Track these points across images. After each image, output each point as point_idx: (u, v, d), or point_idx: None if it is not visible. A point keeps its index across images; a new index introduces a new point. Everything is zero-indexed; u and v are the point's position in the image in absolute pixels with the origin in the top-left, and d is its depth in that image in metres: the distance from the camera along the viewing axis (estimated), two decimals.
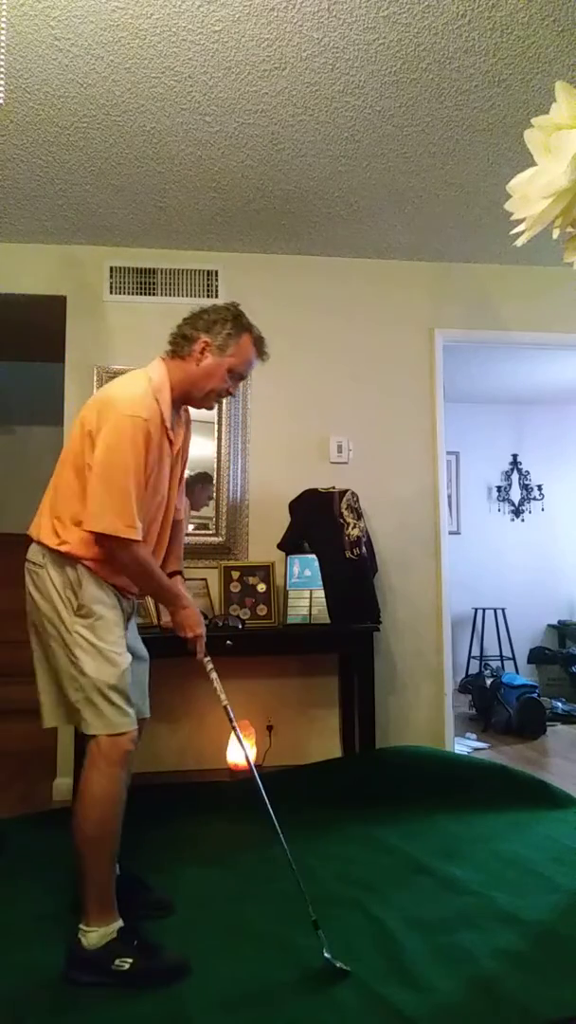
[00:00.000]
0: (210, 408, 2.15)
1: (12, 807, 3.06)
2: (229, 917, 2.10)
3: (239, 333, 2.03)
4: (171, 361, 2.04)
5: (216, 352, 2.01)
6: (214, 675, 2.14)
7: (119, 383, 1.98)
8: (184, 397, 2.04)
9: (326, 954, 1.82)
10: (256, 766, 3.30)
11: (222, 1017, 1.64)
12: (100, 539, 1.85)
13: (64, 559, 1.89)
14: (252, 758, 3.31)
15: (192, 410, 2.18)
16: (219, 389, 2.05)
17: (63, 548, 1.89)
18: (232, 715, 2.15)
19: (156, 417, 1.89)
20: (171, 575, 2.19)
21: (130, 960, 1.76)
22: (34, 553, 1.95)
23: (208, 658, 2.14)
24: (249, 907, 2.16)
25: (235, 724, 2.18)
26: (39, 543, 1.94)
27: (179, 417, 2.08)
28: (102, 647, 1.86)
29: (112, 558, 1.88)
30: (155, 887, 2.19)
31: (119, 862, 1.99)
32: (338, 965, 1.80)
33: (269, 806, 2.01)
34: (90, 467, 1.86)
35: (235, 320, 2.03)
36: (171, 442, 2.00)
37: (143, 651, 2.19)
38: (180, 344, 2.03)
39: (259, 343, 2.08)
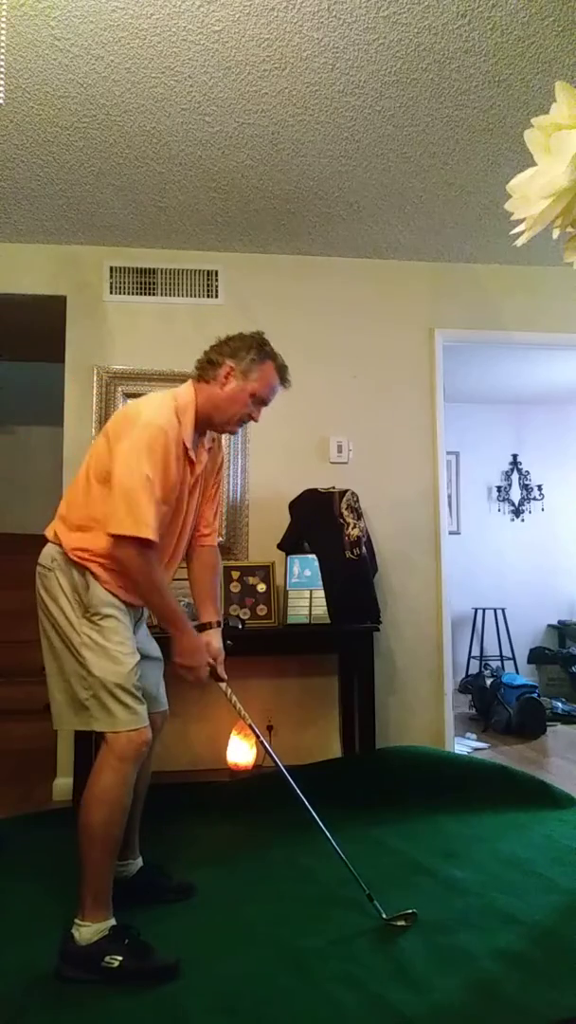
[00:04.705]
0: (233, 433, 2.24)
1: (12, 807, 3.06)
2: (229, 917, 2.10)
3: (263, 360, 2.08)
4: (198, 384, 2.10)
5: (240, 377, 2.06)
6: (233, 697, 2.20)
7: (145, 399, 2.04)
8: (207, 421, 2.09)
9: (384, 916, 2.01)
10: (257, 766, 3.33)
11: (221, 1017, 1.64)
12: (113, 542, 1.89)
13: (72, 562, 1.94)
14: (253, 759, 3.34)
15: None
16: (241, 414, 2.10)
17: (71, 550, 1.94)
18: (257, 729, 2.26)
19: (174, 431, 1.94)
20: (203, 626, 2.20)
21: (119, 958, 1.77)
22: (45, 556, 2.00)
23: (224, 683, 2.18)
24: (249, 907, 2.16)
25: (260, 736, 2.28)
26: (53, 543, 1.99)
27: (202, 442, 2.12)
28: (108, 647, 1.90)
29: (119, 562, 1.91)
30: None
31: (141, 855, 2.19)
32: (400, 923, 2.00)
33: (304, 799, 2.15)
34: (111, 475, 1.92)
35: (259, 347, 2.09)
36: (191, 463, 2.05)
37: (156, 651, 2.21)
38: (206, 369, 2.09)
39: (282, 371, 2.14)
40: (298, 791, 2.16)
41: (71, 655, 1.91)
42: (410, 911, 2.04)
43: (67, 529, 1.98)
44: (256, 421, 2.16)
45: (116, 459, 1.90)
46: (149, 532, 1.85)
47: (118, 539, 1.87)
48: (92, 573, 1.93)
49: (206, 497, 2.24)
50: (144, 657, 2.07)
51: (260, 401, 2.11)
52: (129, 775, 1.88)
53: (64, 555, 1.95)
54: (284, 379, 2.14)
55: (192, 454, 2.04)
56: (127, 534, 1.85)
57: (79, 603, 1.92)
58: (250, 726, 2.23)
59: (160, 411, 1.95)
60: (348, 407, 3.69)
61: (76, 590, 1.93)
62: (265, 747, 2.27)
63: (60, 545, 1.97)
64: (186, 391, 2.07)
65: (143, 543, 1.86)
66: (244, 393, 2.07)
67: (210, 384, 2.07)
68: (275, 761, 2.23)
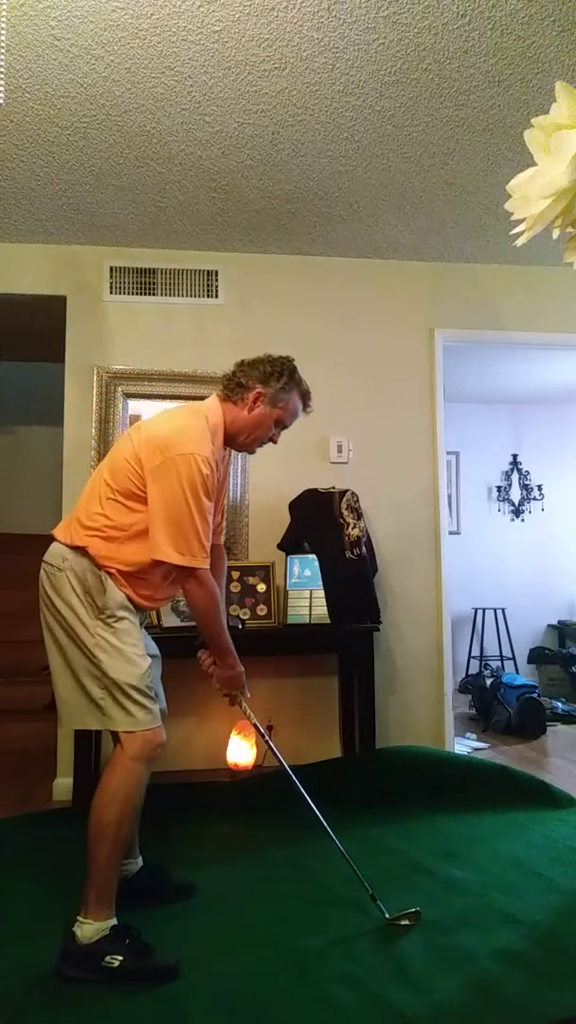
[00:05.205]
0: (251, 453, 2.27)
1: (12, 807, 3.06)
2: (229, 917, 2.10)
3: (291, 388, 2.12)
4: (224, 404, 2.12)
5: (267, 403, 2.10)
6: (249, 712, 2.23)
7: (178, 420, 2.04)
8: (231, 440, 2.14)
9: (387, 916, 2.01)
10: (257, 766, 3.33)
11: (221, 1017, 1.64)
12: (154, 565, 1.95)
13: (90, 564, 1.94)
14: (253, 759, 3.34)
15: None
16: (263, 437, 2.15)
17: (97, 556, 1.94)
18: (267, 736, 2.28)
19: (213, 458, 1.97)
20: None
21: (120, 958, 1.78)
22: (54, 556, 1.99)
23: (244, 702, 2.22)
24: (249, 907, 2.16)
25: (269, 740, 2.29)
26: (66, 545, 1.98)
27: (222, 455, 2.15)
28: (124, 649, 1.91)
29: (141, 572, 1.96)
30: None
31: (142, 855, 2.19)
32: (404, 922, 2.00)
33: (308, 799, 2.15)
34: (138, 495, 1.94)
35: (290, 376, 2.12)
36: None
37: (155, 650, 2.22)
38: (235, 390, 2.11)
39: (306, 397, 2.18)
40: (303, 791, 2.16)
41: (81, 654, 1.91)
42: (413, 910, 2.03)
43: (87, 535, 1.96)
44: (275, 443, 2.20)
45: (159, 490, 1.90)
46: (202, 562, 1.93)
47: (182, 576, 1.95)
48: (112, 576, 1.94)
49: (219, 505, 2.25)
50: (149, 656, 2.09)
51: (282, 426, 2.16)
52: (142, 775, 1.89)
53: (77, 556, 1.95)
54: (307, 405, 2.19)
55: (219, 473, 2.07)
56: (184, 565, 1.91)
57: (91, 604, 1.92)
58: (255, 726, 2.24)
59: (198, 438, 1.95)
60: (348, 407, 3.69)
61: (88, 591, 1.93)
62: (272, 749, 2.27)
63: (77, 548, 1.96)
64: (215, 410, 2.08)
65: (199, 570, 1.93)
66: (270, 419, 2.11)
67: (237, 405, 2.10)
68: (281, 763, 2.23)
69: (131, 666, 1.90)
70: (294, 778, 2.17)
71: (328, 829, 2.14)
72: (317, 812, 2.15)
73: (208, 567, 1.96)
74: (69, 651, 1.93)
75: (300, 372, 2.17)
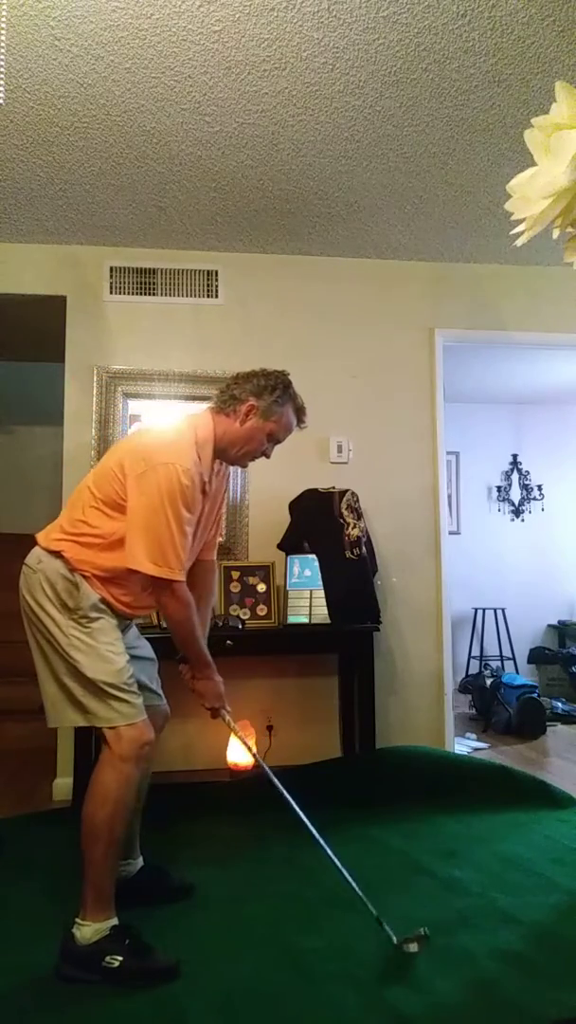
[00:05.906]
0: (244, 467, 2.25)
1: (12, 807, 3.06)
2: (229, 917, 2.10)
3: (284, 402, 2.10)
4: (217, 415, 2.10)
5: (260, 416, 2.08)
6: (234, 724, 2.22)
7: (165, 432, 2.03)
8: (222, 453, 2.11)
9: (394, 941, 1.87)
10: (256, 766, 3.32)
11: (221, 1017, 1.64)
12: (152, 590, 1.94)
13: (63, 566, 1.94)
14: (253, 759, 3.33)
15: None
16: (255, 451, 2.13)
17: (75, 560, 1.94)
18: (254, 750, 2.30)
19: (196, 470, 1.95)
20: None
21: (120, 959, 1.77)
22: (32, 558, 1.99)
23: (227, 714, 2.20)
24: (249, 907, 2.16)
25: (258, 757, 2.28)
26: (43, 548, 1.98)
27: (213, 469, 2.13)
28: (98, 647, 1.91)
29: (118, 579, 1.95)
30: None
31: (141, 854, 2.19)
32: (411, 947, 1.84)
33: (294, 803, 2.11)
34: (119, 504, 1.93)
35: (283, 390, 2.10)
36: (204, 493, 2.06)
37: (149, 652, 2.22)
38: (228, 402, 2.10)
39: (300, 413, 2.16)
40: (295, 805, 2.10)
41: (57, 654, 1.91)
42: (422, 932, 1.91)
43: (64, 539, 1.96)
44: (268, 458, 2.18)
45: (138, 499, 1.89)
46: (178, 575, 1.91)
47: (157, 587, 1.92)
48: (87, 579, 1.94)
49: (212, 519, 2.25)
50: (140, 658, 2.10)
51: (275, 441, 2.14)
52: (131, 775, 1.88)
53: (51, 559, 1.95)
54: (301, 421, 2.17)
55: (208, 486, 2.06)
56: (159, 576, 1.89)
57: (64, 606, 1.92)
58: (240, 739, 2.25)
59: (182, 451, 1.93)
60: (348, 407, 3.69)
61: (59, 594, 1.92)
62: (260, 763, 2.25)
63: (56, 553, 1.95)
64: (205, 424, 2.07)
65: (174, 583, 1.92)
66: (262, 432, 2.09)
67: (229, 417, 2.08)
68: (268, 775, 2.18)
69: (107, 664, 1.89)
70: (283, 790, 2.12)
71: (321, 840, 2.07)
72: (308, 823, 2.09)
73: (184, 580, 1.94)
74: (47, 651, 1.93)
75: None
